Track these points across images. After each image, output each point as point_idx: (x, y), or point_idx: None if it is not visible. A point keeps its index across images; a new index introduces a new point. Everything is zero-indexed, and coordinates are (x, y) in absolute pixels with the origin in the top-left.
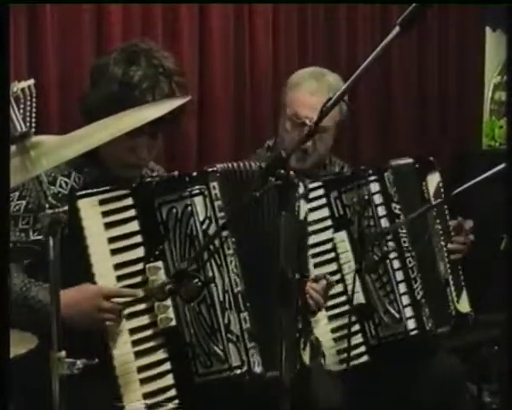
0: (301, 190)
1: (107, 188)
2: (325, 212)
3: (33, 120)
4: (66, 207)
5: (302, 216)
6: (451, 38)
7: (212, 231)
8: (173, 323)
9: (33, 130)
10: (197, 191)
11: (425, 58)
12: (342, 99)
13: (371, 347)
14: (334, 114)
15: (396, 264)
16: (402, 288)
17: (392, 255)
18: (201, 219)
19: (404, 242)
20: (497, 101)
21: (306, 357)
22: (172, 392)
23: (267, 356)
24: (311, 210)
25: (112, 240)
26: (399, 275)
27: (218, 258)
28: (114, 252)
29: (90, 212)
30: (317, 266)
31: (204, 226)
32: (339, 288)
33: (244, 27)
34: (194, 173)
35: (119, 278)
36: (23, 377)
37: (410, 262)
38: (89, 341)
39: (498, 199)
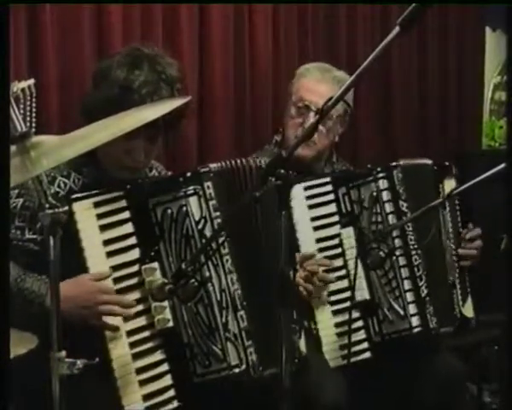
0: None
1: (102, 190)
2: (332, 207)
3: (33, 120)
4: (66, 208)
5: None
6: (451, 38)
7: (207, 230)
8: (170, 324)
9: (33, 130)
10: (192, 191)
11: (425, 58)
12: (342, 99)
13: (374, 343)
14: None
15: (402, 261)
16: (407, 285)
17: (398, 252)
18: (197, 219)
19: (411, 239)
20: (497, 101)
21: (303, 346)
22: (171, 392)
23: (265, 354)
24: (319, 205)
25: (107, 242)
26: (405, 272)
27: (214, 258)
28: (110, 254)
29: (85, 214)
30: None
31: (199, 226)
32: (344, 283)
33: (244, 27)
34: (188, 174)
35: (116, 281)
36: (23, 378)
37: (415, 260)
38: (88, 342)
39: (498, 199)
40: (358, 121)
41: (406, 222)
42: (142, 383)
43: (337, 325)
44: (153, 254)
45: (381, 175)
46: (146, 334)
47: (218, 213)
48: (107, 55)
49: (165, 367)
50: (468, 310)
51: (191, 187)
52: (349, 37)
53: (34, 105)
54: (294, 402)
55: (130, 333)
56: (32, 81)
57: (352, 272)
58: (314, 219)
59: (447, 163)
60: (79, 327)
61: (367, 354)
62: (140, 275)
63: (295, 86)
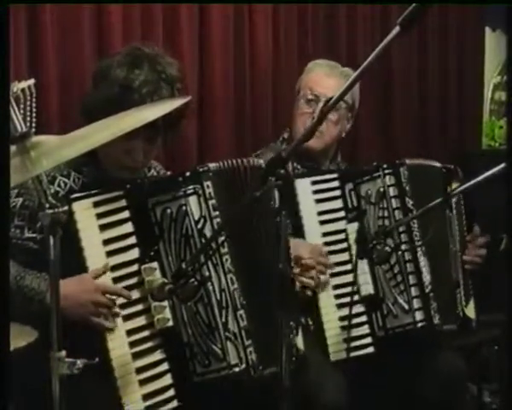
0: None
1: (101, 190)
2: (339, 203)
3: (33, 120)
4: (66, 207)
5: (277, 204)
6: (451, 38)
7: (207, 230)
8: (170, 323)
9: (33, 130)
10: (191, 191)
11: (425, 58)
12: (342, 98)
13: (378, 338)
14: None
15: (407, 256)
16: (412, 280)
17: (403, 247)
18: (196, 218)
19: (416, 236)
20: (497, 101)
21: (300, 343)
22: (171, 392)
23: (265, 353)
24: (325, 200)
25: (107, 242)
26: (410, 267)
27: (213, 257)
28: (110, 254)
29: (85, 214)
30: (328, 254)
31: (199, 226)
32: (349, 277)
33: (244, 27)
34: (188, 173)
35: (115, 280)
36: (23, 376)
37: (420, 256)
38: (88, 342)
39: (498, 199)
40: (358, 121)
41: (413, 218)
42: (142, 382)
43: (341, 318)
44: (152, 253)
45: (387, 171)
46: (146, 333)
47: (217, 213)
48: (107, 54)
49: (164, 367)
50: (470, 311)
51: (191, 186)
52: (349, 37)
53: (34, 105)
54: (294, 401)
55: (129, 333)
56: (32, 81)
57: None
58: (320, 213)
59: (453, 167)
60: (78, 325)
61: (370, 349)
62: (139, 275)
63: (304, 81)
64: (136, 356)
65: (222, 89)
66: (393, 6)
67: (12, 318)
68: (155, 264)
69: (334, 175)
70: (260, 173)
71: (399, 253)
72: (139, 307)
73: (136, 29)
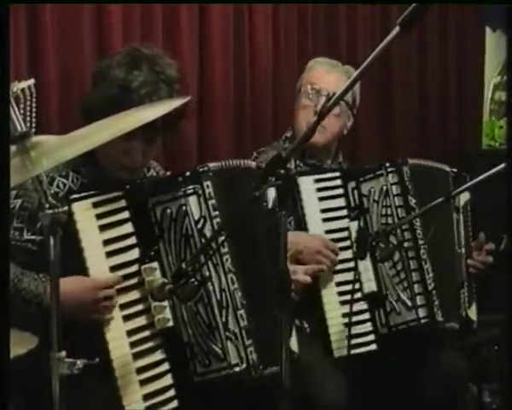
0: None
1: (101, 190)
2: (341, 202)
3: (33, 120)
4: (66, 208)
5: (270, 204)
6: (451, 38)
7: (207, 229)
8: (170, 323)
9: (33, 130)
10: (191, 191)
11: (425, 58)
12: (342, 98)
13: (380, 336)
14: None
15: (410, 253)
16: (415, 277)
17: (406, 244)
18: (196, 218)
19: (419, 234)
20: (497, 101)
21: (294, 345)
22: (172, 392)
23: (265, 353)
24: (328, 198)
25: (107, 242)
26: (413, 264)
27: (213, 257)
28: (109, 254)
29: (85, 215)
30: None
31: (199, 226)
32: (352, 275)
33: (244, 27)
34: (188, 173)
35: None
36: (23, 378)
37: (423, 254)
38: (89, 342)
39: (498, 199)
40: (359, 121)
41: (415, 217)
42: (143, 382)
43: (345, 315)
44: (152, 253)
45: (390, 170)
46: (146, 334)
47: (217, 213)
48: (107, 55)
49: (165, 367)
50: (472, 313)
51: (190, 186)
52: (349, 37)
53: (34, 105)
54: (294, 401)
55: (130, 333)
56: (32, 81)
57: (360, 264)
58: (323, 211)
59: (463, 172)
60: (77, 323)
61: (373, 346)
62: (140, 275)
63: (305, 78)
64: (136, 356)
65: (222, 89)
66: (393, 6)
67: (11, 322)
68: (155, 264)
69: (337, 174)
70: (260, 173)
71: (402, 250)
72: (139, 307)
73: (136, 29)
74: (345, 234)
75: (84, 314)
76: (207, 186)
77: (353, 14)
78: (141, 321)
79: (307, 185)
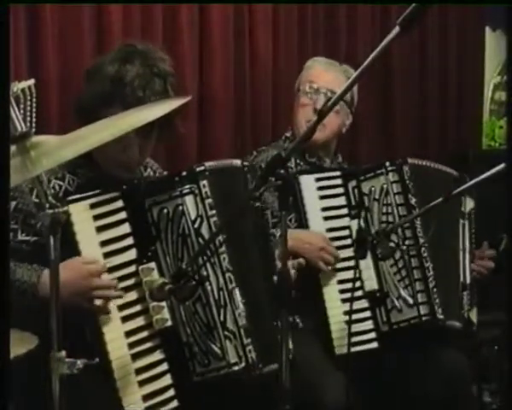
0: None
1: (98, 191)
2: (342, 200)
3: (33, 120)
4: (66, 208)
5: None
6: (451, 38)
7: (204, 229)
8: (169, 323)
9: (33, 130)
10: (187, 190)
11: (425, 58)
12: (342, 98)
13: (381, 334)
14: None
15: (412, 251)
16: (416, 274)
17: (407, 242)
18: (193, 218)
19: (419, 232)
20: (497, 101)
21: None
22: (171, 392)
23: (264, 351)
24: (329, 197)
25: (104, 243)
26: (414, 262)
27: (212, 256)
28: (107, 255)
29: (82, 216)
30: None
31: (196, 225)
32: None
33: (244, 27)
34: (184, 173)
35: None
36: (23, 376)
37: (424, 252)
38: (87, 343)
39: (498, 199)
40: (359, 121)
41: (417, 215)
42: (142, 383)
43: (346, 313)
44: (150, 254)
45: (390, 168)
46: (145, 334)
47: (214, 212)
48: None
49: (164, 367)
50: (473, 316)
51: (187, 186)
52: (349, 37)
53: (34, 105)
54: (294, 400)
55: (128, 334)
56: (32, 81)
57: (362, 262)
58: (324, 209)
59: (465, 175)
60: (73, 312)
61: (374, 344)
62: (137, 275)
63: (304, 77)
64: (135, 357)
65: (222, 89)
66: (393, 6)
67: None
68: (153, 264)
69: (338, 173)
70: (260, 173)
71: (404, 248)
72: (137, 307)
73: (136, 29)
74: (346, 232)
75: (79, 302)
76: (204, 186)
77: (353, 14)
78: (139, 322)
79: (308, 184)
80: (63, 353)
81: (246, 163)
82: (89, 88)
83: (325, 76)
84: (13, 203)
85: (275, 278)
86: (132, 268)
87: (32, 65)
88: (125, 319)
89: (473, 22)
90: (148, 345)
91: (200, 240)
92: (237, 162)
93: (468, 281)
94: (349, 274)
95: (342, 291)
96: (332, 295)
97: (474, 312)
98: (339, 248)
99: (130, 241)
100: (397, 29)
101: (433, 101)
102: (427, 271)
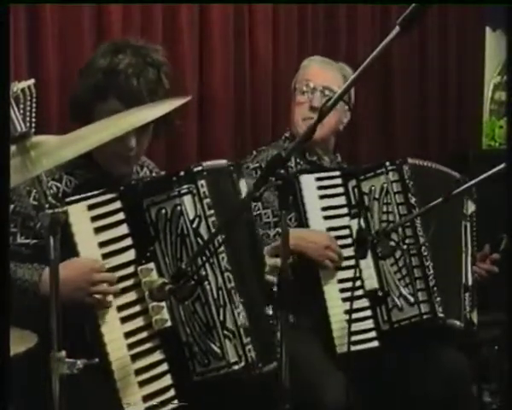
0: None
1: (96, 193)
2: (342, 200)
3: (33, 120)
4: (65, 208)
5: (243, 195)
6: (451, 38)
7: (202, 229)
8: (168, 323)
9: (33, 130)
10: (185, 190)
11: (425, 58)
12: (342, 98)
13: (382, 332)
14: (340, 84)
15: (412, 250)
16: (416, 273)
17: (408, 241)
18: (191, 217)
19: (419, 231)
20: (497, 101)
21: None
22: (171, 392)
23: (264, 350)
24: (329, 196)
25: (102, 244)
26: (415, 260)
27: (211, 256)
28: (106, 256)
29: (80, 217)
30: None
31: (194, 225)
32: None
33: (244, 27)
34: (182, 173)
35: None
36: (23, 375)
37: (424, 251)
38: (87, 344)
39: (498, 199)
40: (359, 121)
41: (417, 215)
42: (142, 383)
43: (347, 312)
44: (148, 254)
45: (390, 168)
46: (144, 335)
47: (212, 212)
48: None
49: (164, 367)
50: (474, 317)
51: (185, 186)
52: (349, 37)
53: (34, 105)
54: (294, 399)
55: (128, 334)
56: (31, 81)
57: (362, 261)
58: (324, 208)
59: (466, 178)
60: (73, 309)
61: (375, 343)
62: (136, 276)
63: (300, 76)
64: (135, 358)
65: (222, 89)
66: (393, 6)
67: (11, 320)
68: (152, 265)
69: (338, 172)
70: (260, 173)
71: (404, 247)
72: (137, 308)
73: (136, 29)
74: (346, 232)
75: (80, 298)
76: (202, 185)
77: (353, 14)
78: (139, 322)
79: (308, 183)
80: (63, 353)
81: (240, 163)
82: (82, 83)
83: (321, 74)
84: (11, 207)
85: (267, 277)
86: (131, 269)
87: (32, 65)
88: (124, 320)
89: (473, 22)
90: (147, 345)
91: (199, 240)
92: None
93: (470, 283)
94: (349, 273)
95: (343, 290)
96: (332, 294)
97: (474, 313)
98: (339, 247)
99: (128, 242)
100: (397, 29)
101: (433, 101)
102: (427, 269)
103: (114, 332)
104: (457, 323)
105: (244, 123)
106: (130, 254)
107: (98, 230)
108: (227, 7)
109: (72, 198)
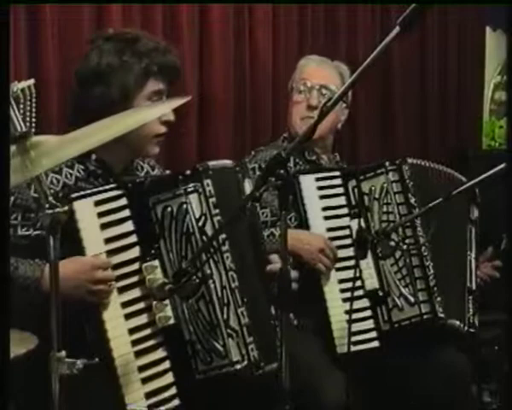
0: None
1: (102, 188)
2: (342, 200)
3: (33, 119)
4: (66, 208)
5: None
6: (451, 38)
7: (208, 228)
8: (172, 321)
9: (33, 130)
10: (192, 189)
11: (425, 58)
12: (342, 99)
13: (382, 333)
14: (337, 82)
15: (412, 250)
16: (417, 273)
17: (408, 241)
18: (197, 216)
19: (420, 231)
20: (497, 101)
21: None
22: (173, 390)
23: (267, 350)
24: (329, 196)
25: (108, 241)
26: (415, 260)
27: (214, 255)
28: (111, 253)
29: (86, 213)
30: None
31: (200, 224)
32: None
33: (244, 27)
34: (188, 171)
35: (117, 279)
36: (24, 373)
37: (425, 251)
38: (89, 342)
39: (498, 199)
40: (358, 121)
41: (418, 215)
42: (145, 380)
43: (347, 312)
44: (153, 251)
45: (390, 168)
46: (148, 332)
47: (217, 211)
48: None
49: (167, 365)
50: (475, 320)
51: (191, 185)
52: (349, 37)
53: (34, 105)
54: (294, 399)
55: (132, 331)
56: (31, 81)
57: (362, 261)
58: (325, 208)
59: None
60: (76, 306)
61: (375, 343)
62: (141, 273)
63: (297, 75)
64: (138, 354)
65: (222, 88)
66: (393, 6)
67: (12, 315)
68: (156, 262)
69: (338, 172)
70: (260, 173)
71: (404, 247)
72: (141, 305)
73: (136, 29)
74: (346, 232)
75: (81, 295)
76: (208, 184)
77: (353, 14)
78: (142, 319)
79: (309, 183)
80: (63, 353)
81: (243, 163)
82: (110, 81)
83: (318, 73)
84: (11, 198)
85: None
86: (136, 266)
87: (32, 65)
88: (128, 317)
89: (473, 22)
90: (151, 342)
91: (205, 238)
92: (230, 162)
93: (474, 287)
94: (350, 273)
95: (343, 290)
96: (333, 294)
97: (476, 316)
98: (339, 247)
99: (133, 239)
100: (397, 29)
101: (433, 101)
102: (427, 269)
103: (118, 329)
104: (459, 324)
105: (244, 123)
106: (135, 251)
107: (104, 226)
108: (227, 7)
109: (79, 194)
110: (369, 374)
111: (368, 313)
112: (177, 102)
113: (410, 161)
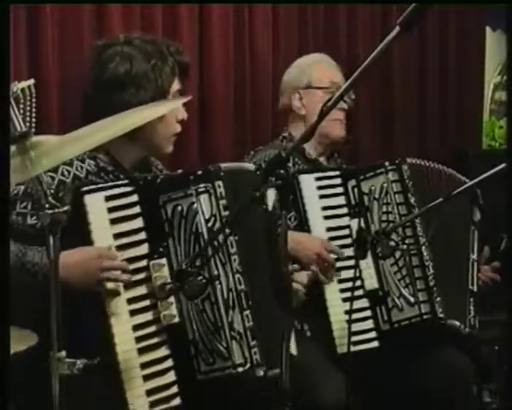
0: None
1: (113, 184)
2: (341, 200)
3: (33, 119)
4: (66, 208)
5: (270, 206)
6: (451, 38)
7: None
8: (176, 320)
9: (33, 130)
10: (203, 189)
11: (425, 58)
12: (342, 98)
13: (382, 333)
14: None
15: (412, 250)
16: (417, 273)
17: (407, 241)
18: (207, 217)
19: (419, 231)
20: (497, 101)
21: (293, 348)
22: (175, 389)
23: (270, 354)
24: (329, 196)
25: (117, 236)
26: (415, 260)
27: (222, 256)
28: (119, 248)
29: (96, 207)
30: None
31: (209, 224)
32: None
33: (244, 27)
34: (200, 172)
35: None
36: (24, 370)
37: (424, 251)
38: (93, 337)
39: (498, 199)
40: (358, 121)
41: (418, 215)
42: (146, 378)
43: (347, 312)
44: (161, 249)
45: (390, 168)
46: (152, 329)
47: (227, 213)
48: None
49: (169, 363)
50: (476, 322)
51: (202, 185)
52: (349, 36)
53: (34, 105)
54: (295, 402)
55: (136, 328)
56: (31, 81)
57: (362, 261)
58: (324, 208)
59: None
60: (82, 294)
61: (375, 343)
62: (148, 270)
63: (317, 71)
64: (141, 351)
65: (222, 88)
66: (393, 6)
67: (17, 302)
68: (164, 260)
69: (337, 172)
70: (260, 173)
71: (404, 247)
72: (146, 302)
73: (136, 29)
74: (346, 232)
75: (89, 284)
76: (219, 186)
77: (353, 13)
78: (147, 316)
79: (308, 183)
80: (63, 353)
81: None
82: (125, 94)
83: (334, 71)
84: (21, 187)
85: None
86: (143, 263)
87: (32, 65)
88: (133, 313)
89: (473, 22)
90: (154, 340)
91: (207, 239)
92: (250, 166)
93: (475, 289)
94: (350, 273)
95: (343, 290)
96: (333, 294)
97: (477, 318)
98: (339, 247)
99: (142, 235)
100: (397, 29)
101: (433, 101)
102: (427, 270)
103: (123, 325)
104: (460, 325)
105: (244, 123)
106: (144, 249)
107: (114, 221)
108: (227, 6)
109: (90, 187)
110: (369, 374)
111: (367, 313)
112: (177, 102)
113: (409, 160)
